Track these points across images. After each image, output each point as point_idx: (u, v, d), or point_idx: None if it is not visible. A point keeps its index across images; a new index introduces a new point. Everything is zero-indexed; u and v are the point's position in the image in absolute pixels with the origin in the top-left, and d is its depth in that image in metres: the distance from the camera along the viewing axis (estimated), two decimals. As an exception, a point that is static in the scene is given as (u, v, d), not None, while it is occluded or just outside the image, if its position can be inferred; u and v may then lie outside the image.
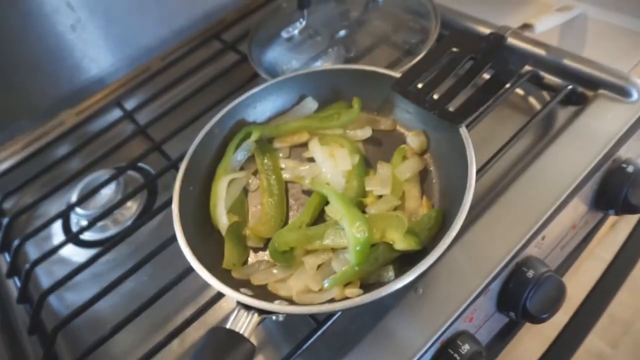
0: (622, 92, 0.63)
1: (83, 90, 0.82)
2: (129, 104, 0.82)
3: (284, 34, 0.73)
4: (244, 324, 0.43)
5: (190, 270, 0.57)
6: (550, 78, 0.68)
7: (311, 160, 0.60)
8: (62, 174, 0.77)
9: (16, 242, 0.66)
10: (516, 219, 0.55)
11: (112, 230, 0.71)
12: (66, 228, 0.73)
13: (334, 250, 0.50)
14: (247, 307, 0.44)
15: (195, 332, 0.57)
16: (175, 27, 0.83)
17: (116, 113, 0.81)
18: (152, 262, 0.61)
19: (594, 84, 0.65)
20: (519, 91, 0.70)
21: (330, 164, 0.56)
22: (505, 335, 0.59)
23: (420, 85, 0.56)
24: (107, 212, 0.69)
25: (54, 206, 0.75)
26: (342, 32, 0.76)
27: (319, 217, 0.54)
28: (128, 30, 0.80)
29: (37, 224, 0.70)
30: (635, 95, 0.62)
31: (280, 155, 0.61)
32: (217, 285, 0.46)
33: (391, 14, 0.77)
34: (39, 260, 0.64)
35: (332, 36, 0.75)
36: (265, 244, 0.54)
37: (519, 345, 0.63)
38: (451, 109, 0.53)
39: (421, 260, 0.44)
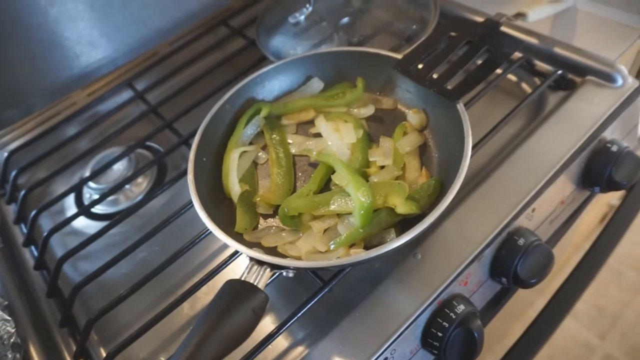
0: (608, 78, 0.67)
1: (95, 71, 0.85)
2: (140, 85, 0.85)
3: (291, 19, 0.77)
4: (258, 277, 0.46)
5: (201, 236, 0.60)
6: (541, 65, 0.72)
7: (317, 135, 0.63)
8: (74, 151, 0.80)
9: (33, 213, 0.69)
10: (508, 192, 0.59)
11: (123, 205, 0.74)
12: (79, 202, 0.76)
13: (339, 215, 0.54)
14: (260, 263, 0.47)
15: (205, 297, 0.60)
16: (189, 10, 0.87)
17: (127, 94, 0.85)
18: (163, 234, 0.64)
19: (582, 70, 0.69)
20: (512, 77, 0.74)
21: (336, 137, 0.59)
22: (497, 302, 0.63)
23: (420, 66, 0.60)
24: (118, 186, 0.72)
25: (67, 183, 0.78)
26: (345, 20, 0.79)
27: (325, 187, 0.58)
28: (144, 11, 0.83)
29: (50, 199, 0.73)
30: (620, 81, 0.67)
31: (288, 131, 0.65)
32: (231, 243, 0.49)
33: (392, 4, 0.81)
34: (56, 228, 0.67)
35: (336, 23, 0.79)
36: (274, 211, 0.58)
37: (502, 324, 0.67)
38: (449, 87, 0.57)
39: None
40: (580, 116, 0.65)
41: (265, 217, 0.58)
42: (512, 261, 0.56)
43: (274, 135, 0.63)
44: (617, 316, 1.54)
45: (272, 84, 0.67)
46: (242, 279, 0.46)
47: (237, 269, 0.60)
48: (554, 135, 0.63)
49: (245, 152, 0.62)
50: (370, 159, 0.57)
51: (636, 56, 0.75)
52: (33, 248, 0.69)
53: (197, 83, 0.81)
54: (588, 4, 0.79)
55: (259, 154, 0.63)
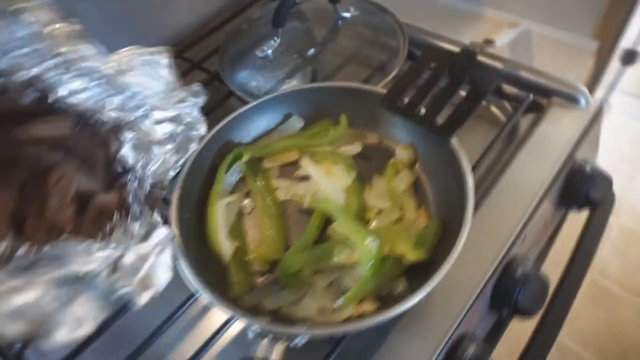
0: (572, 99, 0.71)
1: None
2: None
3: (259, 53, 0.73)
4: (272, 351, 0.42)
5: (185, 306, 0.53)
6: (509, 88, 0.74)
7: (303, 178, 0.60)
8: None
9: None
10: (501, 223, 0.59)
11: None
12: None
13: (341, 267, 0.51)
14: (273, 334, 0.43)
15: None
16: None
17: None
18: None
19: (548, 92, 0.72)
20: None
21: (328, 181, 0.56)
22: (495, 333, 0.63)
23: (406, 100, 0.59)
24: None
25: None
26: (312, 51, 0.77)
27: (321, 234, 0.55)
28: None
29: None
30: (583, 103, 0.70)
31: (271, 175, 0.61)
32: (239, 316, 0.44)
33: (358, 32, 0.80)
34: None
35: (303, 54, 0.76)
36: (270, 265, 0.54)
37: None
38: (440, 121, 0.56)
39: (428, 268, 0.46)
40: (554, 140, 0.67)
41: (262, 273, 0.54)
42: (513, 292, 0.56)
43: (259, 182, 0.59)
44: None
45: (248, 126, 0.63)
46: (257, 354, 0.42)
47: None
48: (534, 161, 0.65)
49: (229, 202, 0.57)
50: (369, 204, 0.55)
51: (591, 75, 0.80)
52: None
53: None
54: (541, 26, 0.82)
55: (244, 202, 0.59)
